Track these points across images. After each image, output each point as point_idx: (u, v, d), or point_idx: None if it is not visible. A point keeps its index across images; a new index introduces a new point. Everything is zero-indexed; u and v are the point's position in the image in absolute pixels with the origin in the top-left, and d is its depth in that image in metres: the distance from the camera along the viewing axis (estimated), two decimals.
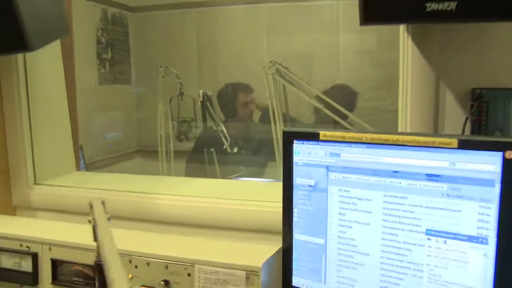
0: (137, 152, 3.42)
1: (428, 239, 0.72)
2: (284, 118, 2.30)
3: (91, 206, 0.65)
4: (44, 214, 1.36)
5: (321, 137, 0.83)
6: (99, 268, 0.64)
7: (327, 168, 0.82)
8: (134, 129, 3.43)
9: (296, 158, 0.85)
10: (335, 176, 0.81)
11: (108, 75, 3.07)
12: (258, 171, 2.10)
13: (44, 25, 1.14)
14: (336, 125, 2.21)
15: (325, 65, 2.83)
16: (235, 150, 2.04)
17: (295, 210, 0.86)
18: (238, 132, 2.11)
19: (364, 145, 0.78)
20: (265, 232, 1.06)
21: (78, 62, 2.32)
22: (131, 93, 3.39)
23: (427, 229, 0.73)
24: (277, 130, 1.77)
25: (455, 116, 0.98)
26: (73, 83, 2.16)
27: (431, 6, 0.78)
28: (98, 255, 0.65)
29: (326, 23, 2.84)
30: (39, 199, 1.37)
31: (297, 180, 0.86)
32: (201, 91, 2.08)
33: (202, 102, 2.04)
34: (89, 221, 0.64)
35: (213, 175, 2.17)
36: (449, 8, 0.76)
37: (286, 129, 0.87)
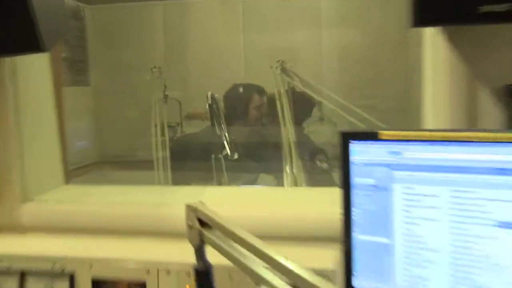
0: (99, 163, 3.13)
1: (500, 231, 0.75)
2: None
3: (192, 210, 0.63)
4: (36, 234, 1.21)
5: (381, 137, 0.84)
6: (201, 274, 0.63)
7: (389, 166, 0.83)
8: (97, 137, 3.15)
9: (353, 158, 0.86)
10: (398, 174, 0.82)
11: (65, 76, 2.79)
12: (255, 178, 2.05)
13: (53, 26, 1.09)
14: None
15: (307, 62, 2.76)
16: (236, 156, 1.98)
17: (354, 210, 0.86)
18: (236, 137, 2.06)
19: (428, 143, 0.80)
20: (311, 239, 1.05)
21: None
22: (90, 96, 3.10)
23: (498, 221, 0.75)
24: (288, 131, 1.76)
25: (489, 112, 1.02)
26: (59, 89, 2.06)
27: (484, 8, 0.81)
28: (198, 261, 0.64)
29: (307, 18, 2.76)
30: (30, 217, 1.24)
31: (355, 180, 0.86)
32: (209, 93, 2.00)
33: (210, 105, 1.96)
34: (189, 226, 0.63)
35: (214, 183, 2.11)
36: (504, 10, 0.79)
37: (343, 130, 0.88)
